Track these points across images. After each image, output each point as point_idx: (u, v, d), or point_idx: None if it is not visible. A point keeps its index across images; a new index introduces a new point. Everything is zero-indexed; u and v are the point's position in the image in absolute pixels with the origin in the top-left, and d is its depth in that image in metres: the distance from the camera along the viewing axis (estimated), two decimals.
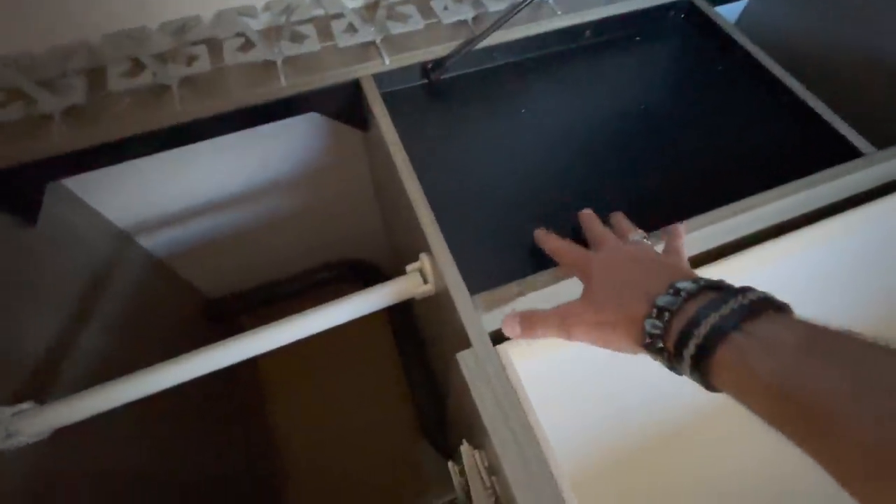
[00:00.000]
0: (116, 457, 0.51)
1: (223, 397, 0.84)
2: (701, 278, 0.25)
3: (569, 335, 0.28)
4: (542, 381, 0.35)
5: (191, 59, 0.42)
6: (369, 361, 0.96)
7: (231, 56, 0.42)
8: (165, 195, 0.62)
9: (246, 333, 0.38)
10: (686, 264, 0.30)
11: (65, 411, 0.35)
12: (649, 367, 0.26)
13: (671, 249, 0.32)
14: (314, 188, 0.73)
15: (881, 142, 0.43)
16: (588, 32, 0.52)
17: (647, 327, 0.24)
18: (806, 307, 0.22)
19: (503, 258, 0.38)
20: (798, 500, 0.39)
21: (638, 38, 0.54)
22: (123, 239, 0.65)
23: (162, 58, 0.42)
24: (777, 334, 0.20)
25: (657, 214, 0.38)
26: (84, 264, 0.56)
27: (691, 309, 0.23)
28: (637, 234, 0.33)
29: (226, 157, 0.59)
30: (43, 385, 0.44)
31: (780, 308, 0.22)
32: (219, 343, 0.37)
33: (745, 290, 0.22)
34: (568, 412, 0.35)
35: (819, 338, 0.20)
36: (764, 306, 0.22)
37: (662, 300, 0.24)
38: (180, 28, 0.43)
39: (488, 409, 0.29)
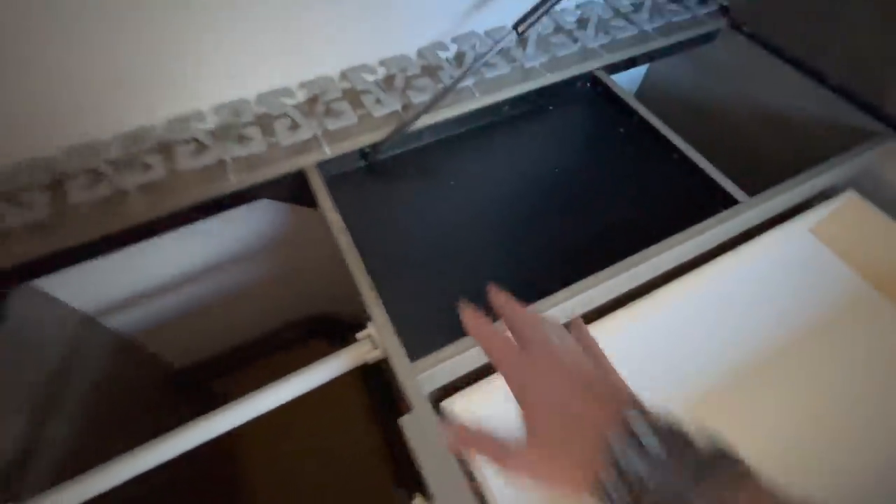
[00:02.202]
0: None
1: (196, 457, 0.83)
2: (652, 424, 0.22)
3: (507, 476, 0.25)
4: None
5: (146, 167, 0.46)
6: (345, 407, 0.98)
7: (184, 160, 0.47)
8: (130, 280, 0.64)
9: (203, 417, 0.41)
10: (617, 377, 0.27)
11: None
12: None
13: (587, 348, 0.28)
14: (276, 257, 0.77)
15: (751, 186, 0.51)
16: (506, 107, 0.59)
17: (611, 491, 0.21)
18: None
19: (442, 319, 0.42)
20: None
21: (550, 108, 0.62)
22: (88, 323, 0.66)
23: (118, 166, 0.46)
24: None
25: (572, 265, 0.44)
26: (50, 355, 0.57)
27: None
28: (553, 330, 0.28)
29: (187, 242, 0.62)
30: (10, 483, 0.45)
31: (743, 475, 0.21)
32: (183, 427, 0.40)
33: (715, 462, 0.21)
34: None
35: None
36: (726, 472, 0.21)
37: (626, 463, 0.21)
38: (132, 137, 0.47)
39: (431, 470, 0.33)
